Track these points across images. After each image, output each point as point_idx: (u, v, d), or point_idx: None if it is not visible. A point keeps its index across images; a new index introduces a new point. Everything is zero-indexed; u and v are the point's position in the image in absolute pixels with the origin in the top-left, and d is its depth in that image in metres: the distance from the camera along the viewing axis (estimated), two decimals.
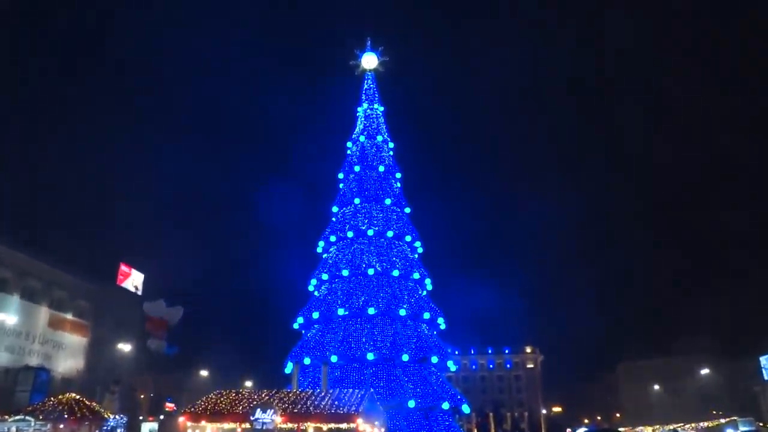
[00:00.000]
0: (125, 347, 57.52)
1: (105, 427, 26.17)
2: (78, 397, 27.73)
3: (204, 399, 25.05)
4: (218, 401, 24.47)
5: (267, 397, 24.33)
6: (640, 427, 47.72)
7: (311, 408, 23.26)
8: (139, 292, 65.06)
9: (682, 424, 50.04)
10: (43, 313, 55.83)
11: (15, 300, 52.65)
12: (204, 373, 64.88)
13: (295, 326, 40.22)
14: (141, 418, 46.66)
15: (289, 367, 37.95)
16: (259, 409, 22.56)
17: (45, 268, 56.18)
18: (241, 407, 23.51)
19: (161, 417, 53.60)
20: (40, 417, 25.34)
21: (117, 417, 28.34)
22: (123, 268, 63.09)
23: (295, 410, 23.11)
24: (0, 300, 50.45)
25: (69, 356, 57.68)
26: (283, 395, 24.83)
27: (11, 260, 52.61)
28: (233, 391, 25.75)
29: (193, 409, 23.95)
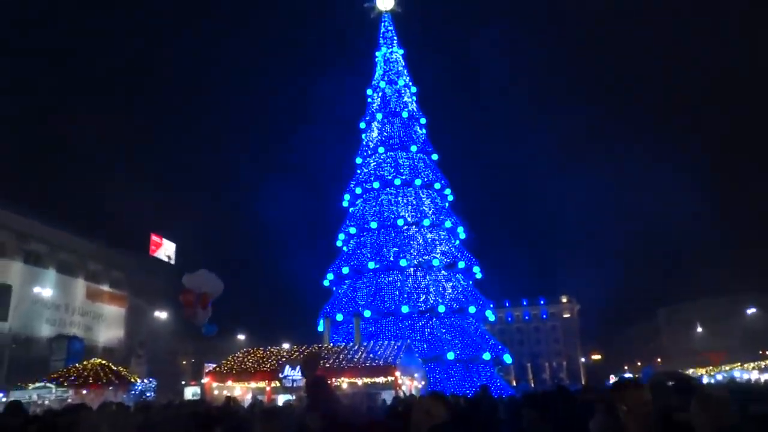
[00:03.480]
0: (162, 315, 56.89)
1: (132, 392, 24.51)
2: (104, 362, 26.16)
3: (230, 358, 23.15)
4: (245, 360, 22.53)
5: (297, 354, 22.22)
6: (691, 370, 45.04)
7: (344, 362, 21.13)
8: (172, 261, 64.19)
9: (739, 364, 46.76)
10: (80, 285, 55.40)
11: (52, 273, 52.12)
12: (241, 336, 63.97)
13: (326, 283, 38.18)
14: (183, 383, 45.91)
15: (321, 325, 36.07)
16: (288, 366, 20.47)
17: (78, 242, 55.50)
18: (269, 365, 21.51)
19: (203, 381, 53.13)
20: (64, 383, 23.78)
21: (145, 381, 26.75)
22: (154, 238, 62.06)
23: (327, 365, 20.97)
24: (37, 274, 50.01)
25: (109, 326, 57.46)
26: (315, 350, 22.69)
27: (45, 235, 51.88)
28: (260, 349, 23.75)
29: (218, 369, 22.08)
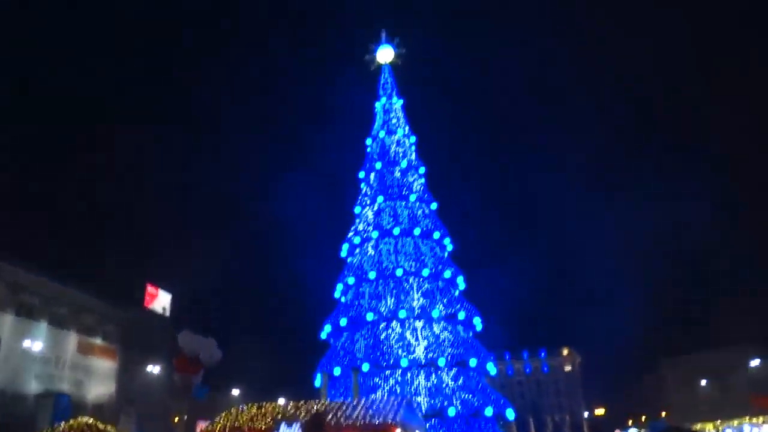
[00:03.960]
0: (155, 369, 55.28)
1: None
2: (91, 420, 24.85)
3: (224, 415, 21.99)
4: (238, 417, 21.39)
5: (293, 410, 21.14)
6: (699, 424, 43.46)
7: (342, 419, 20.03)
8: (167, 314, 62.95)
9: (747, 417, 45.24)
10: (72, 339, 53.92)
11: (43, 326, 50.80)
12: (236, 392, 62.04)
13: (323, 336, 37.10)
14: None
15: (318, 380, 34.82)
16: (283, 424, 19.45)
17: (72, 293, 54.42)
18: (264, 422, 20.38)
19: None
20: None
21: None
22: (150, 289, 61.01)
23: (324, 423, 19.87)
24: (28, 327, 48.70)
25: (99, 382, 55.61)
26: (310, 407, 21.61)
27: (38, 287, 50.85)
28: (254, 405, 22.62)
29: (210, 428, 20.93)
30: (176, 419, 66.48)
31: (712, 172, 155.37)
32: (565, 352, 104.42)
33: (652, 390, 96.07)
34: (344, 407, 21.17)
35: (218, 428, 20.73)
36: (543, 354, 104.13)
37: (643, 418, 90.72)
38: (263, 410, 21.48)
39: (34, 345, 46.42)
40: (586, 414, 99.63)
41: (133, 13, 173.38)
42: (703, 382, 79.21)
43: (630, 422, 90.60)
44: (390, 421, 19.35)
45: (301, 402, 22.56)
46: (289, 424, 19.24)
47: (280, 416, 20.31)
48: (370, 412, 20.37)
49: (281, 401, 38.77)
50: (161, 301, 62.44)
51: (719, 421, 48.16)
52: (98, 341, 56.35)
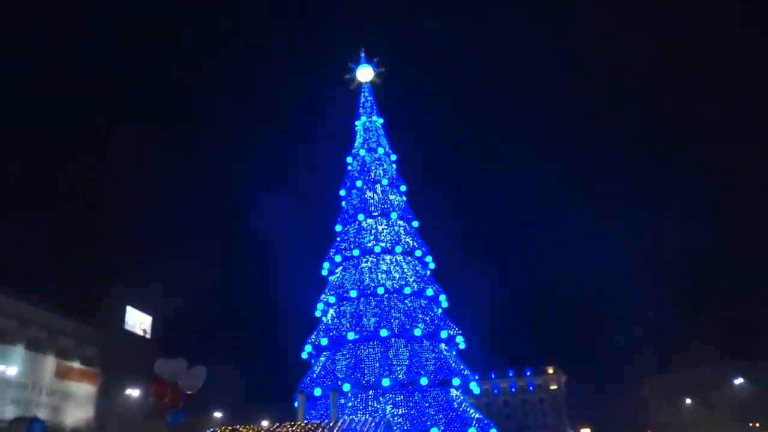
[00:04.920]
0: (134, 393, 53.64)
1: None
2: None
3: None
4: None
5: None
6: None
7: None
8: (148, 335, 61.38)
9: None
10: (50, 363, 52.17)
11: (19, 351, 49.14)
12: (218, 414, 60.30)
13: (304, 356, 36.09)
14: None
15: (298, 401, 33.71)
16: None
17: (49, 317, 52.84)
18: None
19: None
20: None
21: None
22: (129, 311, 59.53)
23: None
24: (4, 352, 47.05)
25: (78, 407, 53.64)
26: (285, 429, 20.66)
27: (14, 310, 49.31)
28: (229, 428, 21.60)
29: None
30: None
31: (701, 179, 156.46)
32: (551, 370, 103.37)
33: (637, 408, 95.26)
34: (321, 429, 20.26)
35: None
36: (529, 373, 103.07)
37: None
38: None
39: (10, 370, 44.73)
40: None
41: (132, 13, 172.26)
42: (687, 401, 78.52)
43: None
44: None
45: (276, 424, 21.61)
46: None
47: None
48: None
49: (264, 423, 37.52)
50: (142, 322, 60.90)
51: None
52: (77, 364, 54.60)
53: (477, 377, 37.46)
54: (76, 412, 52.90)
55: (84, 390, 54.81)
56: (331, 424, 20.83)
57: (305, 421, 24.51)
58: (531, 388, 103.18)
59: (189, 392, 24.09)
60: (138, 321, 60.75)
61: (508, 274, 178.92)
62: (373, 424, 20.17)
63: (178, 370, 23.50)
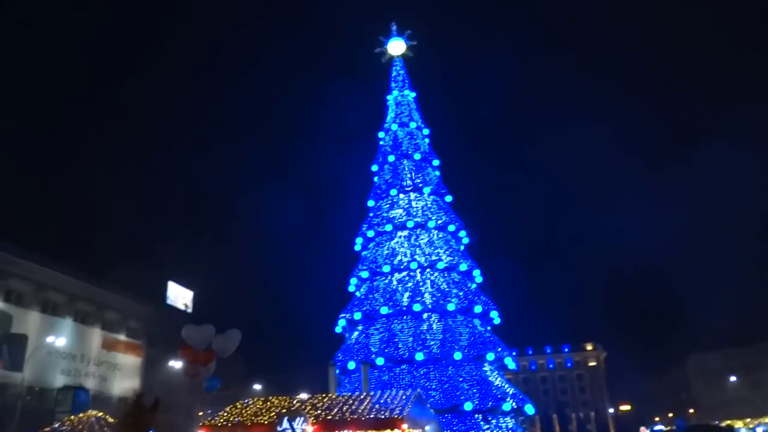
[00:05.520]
0: (177, 364, 55.09)
1: None
2: (101, 414, 24.28)
3: (228, 409, 21.14)
4: (243, 411, 20.50)
5: (298, 404, 20.17)
6: (728, 421, 41.32)
7: (347, 414, 18.99)
8: (189, 310, 62.84)
9: None
10: (97, 335, 54.12)
11: (68, 323, 51.04)
12: (258, 386, 61.54)
13: (338, 330, 36.12)
14: None
15: (334, 374, 33.87)
16: (286, 419, 18.46)
17: (96, 291, 54.65)
18: (267, 417, 19.46)
19: None
20: None
21: None
22: (171, 286, 60.95)
23: (329, 417, 18.89)
24: (53, 324, 48.89)
25: (124, 377, 55.67)
26: (316, 401, 20.63)
27: (63, 285, 51.15)
28: (261, 399, 21.73)
29: (212, 422, 20.08)
30: (200, 413, 66.50)
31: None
32: (589, 347, 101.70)
33: (681, 386, 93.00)
34: (351, 401, 20.13)
35: (221, 422, 19.89)
36: (567, 349, 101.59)
37: (670, 414, 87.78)
38: (268, 405, 20.57)
39: (59, 341, 46.45)
40: (611, 410, 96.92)
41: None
42: (733, 379, 76.09)
43: (657, 419, 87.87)
44: (397, 415, 18.25)
45: (308, 396, 21.63)
46: (292, 419, 18.27)
47: (284, 411, 19.34)
48: (377, 406, 19.29)
49: (303, 396, 37.93)
50: (183, 297, 62.35)
51: (749, 419, 45.65)
52: (122, 337, 56.48)
53: (515, 353, 36.85)
54: (123, 382, 54.85)
55: (130, 361, 56.79)
56: (361, 397, 20.70)
57: (336, 394, 24.54)
58: (569, 364, 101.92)
59: (223, 355, 24.20)
60: (180, 296, 62.18)
61: (546, 250, 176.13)
62: (404, 397, 19.94)
63: (206, 336, 23.55)
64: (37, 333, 45.99)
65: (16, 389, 42.96)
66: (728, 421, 43.53)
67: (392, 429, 17.94)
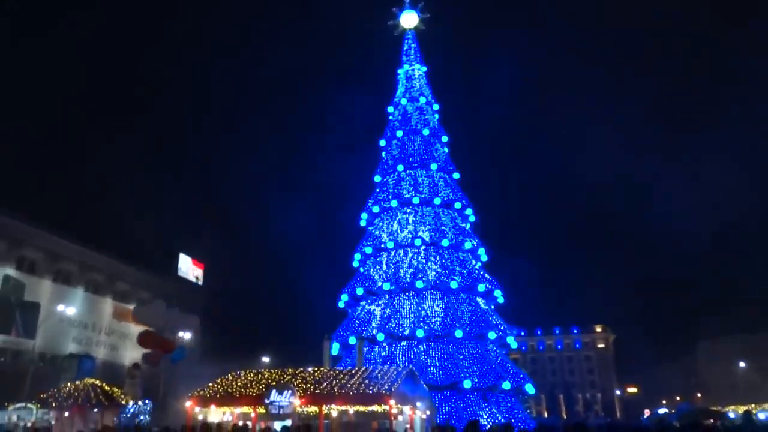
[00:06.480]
0: (186, 335, 55.33)
1: (124, 414, 22.39)
2: (97, 382, 24.26)
3: (219, 380, 20.82)
4: (233, 383, 20.17)
5: (287, 377, 19.77)
6: (732, 407, 40.53)
7: (336, 388, 18.53)
8: (200, 282, 62.95)
9: None
10: (108, 304, 54.45)
11: (80, 293, 51.34)
12: (266, 359, 61.73)
13: (341, 305, 35.68)
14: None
15: (335, 348, 33.56)
16: (274, 391, 18.06)
17: (108, 262, 54.78)
18: (255, 389, 19.08)
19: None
20: (53, 404, 21.91)
21: (139, 403, 24.64)
22: (182, 258, 60.99)
23: (317, 391, 18.45)
24: (65, 293, 49.22)
25: (135, 346, 55.91)
26: (306, 374, 20.22)
27: (75, 255, 51.32)
28: (252, 371, 21.38)
29: (202, 392, 19.77)
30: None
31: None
32: (599, 329, 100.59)
33: (689, 371, 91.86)
34: (341, 376, 19.67)
35: (210, 394, 19.57)
36: (576, 330, 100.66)
37: (678, 398, 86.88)
38: (258, 377, 20.19)
39: (69, 310, 46.76)
40: (618, 392, 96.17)
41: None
42: (742, 364, 74.80)
43: (664, 402, 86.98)
44: (385, 391, 17.74)
45: (300, 369, 21.23)
46: (280, 392, 17.85)
47: (273, 383, 18.94)
48: (367, 381, 18.80)
49: (310, 369, 37.73)
50: (194, 270, 62.41)
51: (754, 405, 44.69)
52: (133, 307, 56.75)
53: (521, 333, 36.20)
54: (133, 351, 55.23)
55: (140, 331, 57.11)
56: (353, 371, 20.23)
57: (329, 368, 24.15)
58: (577, 345, 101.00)
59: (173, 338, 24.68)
60: (191, 268, 62.24)
61: (556, 232, 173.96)
62: (395, 372, 19.42)
63: (158, 313, 24.00)
64: (49, 301, 46.33)
65: (28, 356, 43.45)
66: (733, 406, 42.69)
67: (379, 404, 17.46)
